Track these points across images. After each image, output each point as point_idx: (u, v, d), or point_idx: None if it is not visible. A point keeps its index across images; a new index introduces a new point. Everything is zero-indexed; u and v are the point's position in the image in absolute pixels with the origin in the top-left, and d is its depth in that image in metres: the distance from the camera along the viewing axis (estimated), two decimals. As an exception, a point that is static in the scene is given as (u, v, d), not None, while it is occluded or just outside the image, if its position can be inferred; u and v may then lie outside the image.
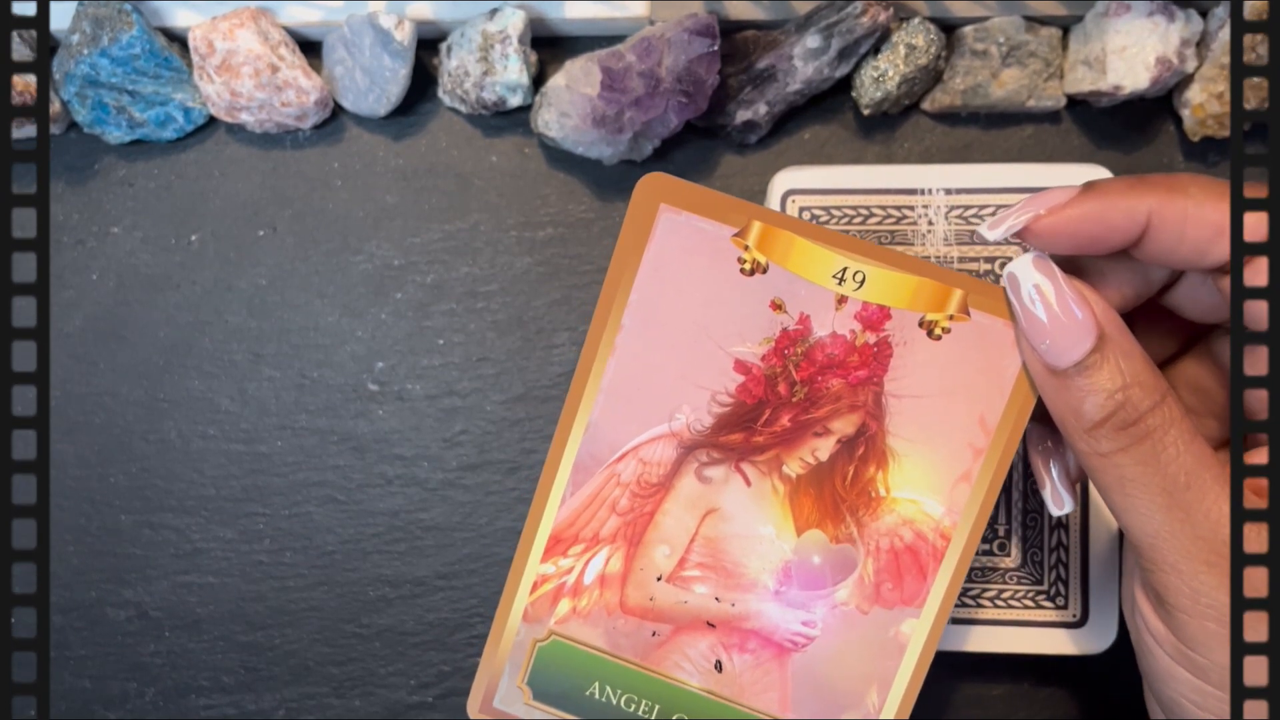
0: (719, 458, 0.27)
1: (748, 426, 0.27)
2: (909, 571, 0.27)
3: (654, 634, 0.28)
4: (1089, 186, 0.24)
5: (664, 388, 0.27)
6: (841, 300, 0.26)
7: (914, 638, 0.27)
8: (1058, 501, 0.27)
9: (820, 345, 0.27)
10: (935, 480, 0.27)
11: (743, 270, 0.27)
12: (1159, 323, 0.28)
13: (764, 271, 0.27)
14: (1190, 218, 0.23)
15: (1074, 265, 0.26)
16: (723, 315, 0.27)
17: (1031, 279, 0.24)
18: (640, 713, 0.28)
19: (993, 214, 0.31)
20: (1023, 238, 0.25)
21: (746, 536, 0.27)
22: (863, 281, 0.26)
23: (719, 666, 0.28)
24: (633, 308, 0.27)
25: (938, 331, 0.26)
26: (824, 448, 0.27)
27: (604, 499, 0.28)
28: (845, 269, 0.26)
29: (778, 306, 0.27)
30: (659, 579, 0.28)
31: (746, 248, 0.27)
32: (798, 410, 0.27)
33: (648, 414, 0.27)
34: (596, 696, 0.28)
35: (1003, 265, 0.32)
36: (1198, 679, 0.24)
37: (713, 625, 0.28)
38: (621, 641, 0.28)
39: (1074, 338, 0.24)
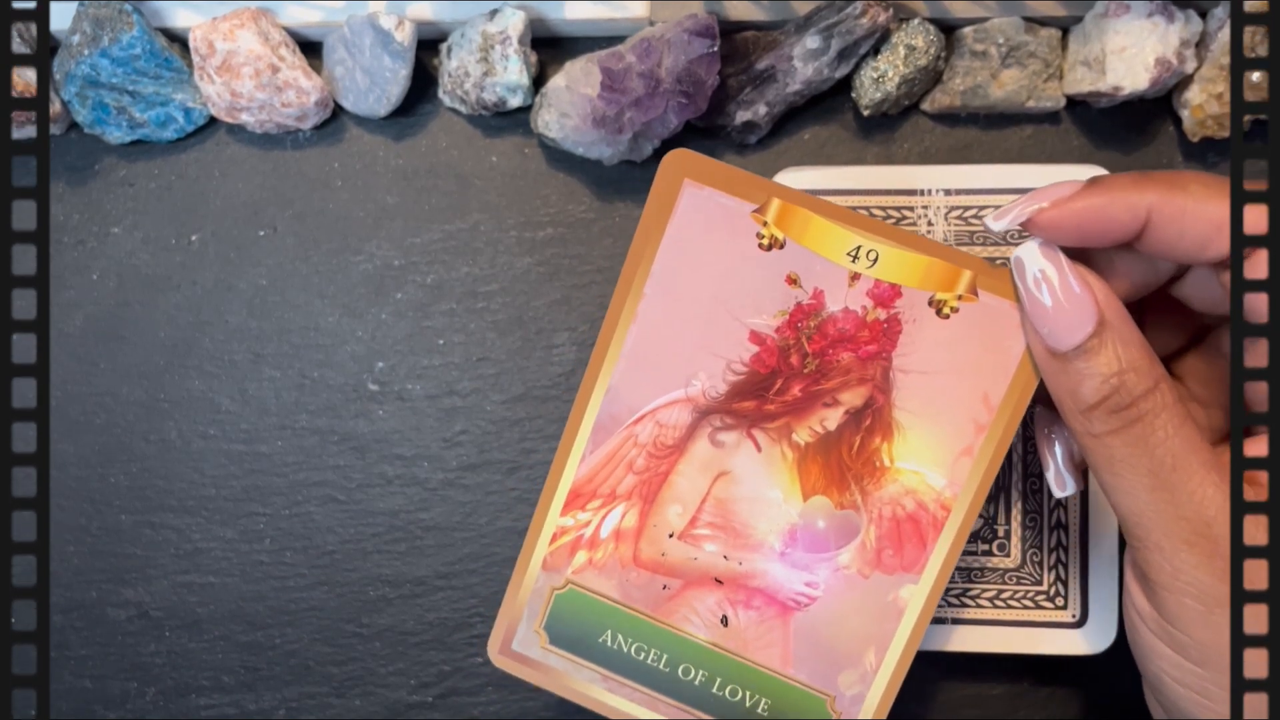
0: (732, 423, 0.28)
1: (760, 395, 0.28)
2: (909, 539, 0.28)
3: (665, 587, 0.29)
4: (1093, 181, 0.25)
5: (682, 355, 0.28)
6: (855, 277, 0.27)
7: (912, 603, 0.28)
8: (1060, 483, 0.28)
9: (832, 320, 0.28)
10: (938, 453, 0.28)
11: (761, 245, 0.28)
12: (1169, 315, 0.28)
13: (781, 247, 0.28)
14: (1189, 214, 0.24)
15: (1082, 253, 0.26)
16: (740, 287, 0.28)
17: (1037, 264, 0.25)
18: (649, 661, 0.29)
19: None
20: (1027, 229, 0.25)
21: (755, 499, 0.28)
22: (876, 260, 0.27)
23: (725, 621, 0.29)
24: (655, 277, 0.28)
25: (946, 311, 0.27)
26: (832, 418, 0.28)
27: (622, 458, 0.29)
28: (859, 247, 0.27)
29: (793, 281, 0.28)
30: (671, 536, 0.29)
31: (765, 223, 0.28)
32: (808, 381, 0.28)
33: (666, 379, 0.28)
34: (609, 644, 0.29)
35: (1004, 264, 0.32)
36: (1178, 655, 0.25)
37: (720, 582, 0.29)
38: (634, 593, 0.29)
39: (1074, 322, 0.24)
